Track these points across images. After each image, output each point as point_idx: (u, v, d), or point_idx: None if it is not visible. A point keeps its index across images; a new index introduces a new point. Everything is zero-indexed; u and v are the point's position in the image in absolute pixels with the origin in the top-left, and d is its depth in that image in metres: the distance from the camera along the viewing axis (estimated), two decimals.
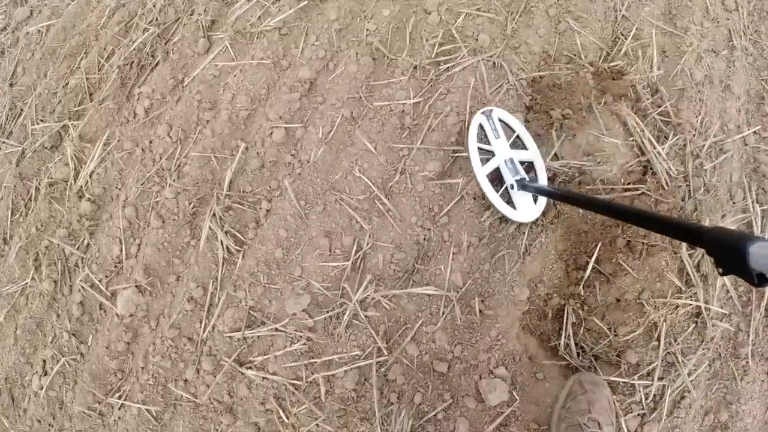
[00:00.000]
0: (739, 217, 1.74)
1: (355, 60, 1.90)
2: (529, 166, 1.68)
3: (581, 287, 1.67)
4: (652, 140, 1.71)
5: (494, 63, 1.85)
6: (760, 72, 2.02)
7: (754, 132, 1.90)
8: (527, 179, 1.60)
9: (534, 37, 1.89)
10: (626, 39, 1.91)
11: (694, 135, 1.81)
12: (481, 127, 1.66)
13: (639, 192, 1.68)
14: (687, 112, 1.82)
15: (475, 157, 1.61)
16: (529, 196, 1.61)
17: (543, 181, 1.65)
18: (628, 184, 1.69)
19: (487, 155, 1.65)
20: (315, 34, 1.99)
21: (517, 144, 1.70)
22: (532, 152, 1.67)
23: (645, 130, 1.71)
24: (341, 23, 2.00)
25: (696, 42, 1.95)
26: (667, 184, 1.71)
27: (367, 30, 1.96)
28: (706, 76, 1.91)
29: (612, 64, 1.85)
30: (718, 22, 2.04)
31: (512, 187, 1.58)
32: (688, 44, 1.94)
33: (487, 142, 1.65)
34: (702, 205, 1.74)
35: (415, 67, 1.86)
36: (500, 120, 1.68)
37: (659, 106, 1.83)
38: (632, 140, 1.70)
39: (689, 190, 1.75)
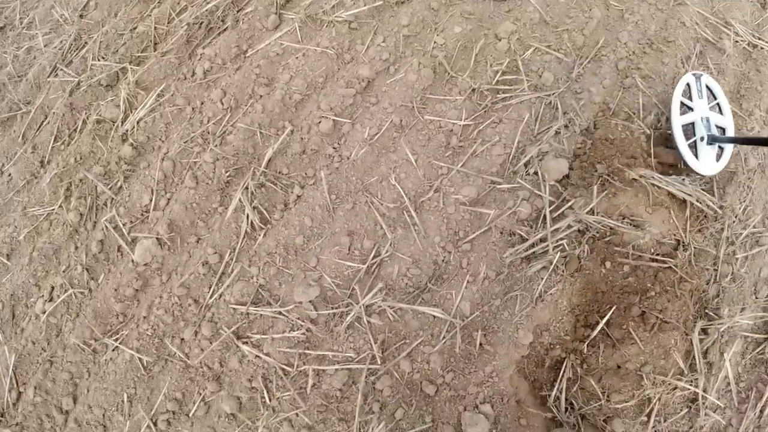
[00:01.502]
0: (758, 314, 1.71)
1: (416, 69, 1.91)
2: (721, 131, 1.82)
3: (585, 345, 1.67)
4: (691, 221, 1.69)
5: (551, 102, 1.84)
6: None
7: None
8: (717, 135, 1.73)
9: (598, 86, 1.88)
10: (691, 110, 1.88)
11: (734, 221, 1.78)
12: (687, 86, 1.79)
13: (666, 265, 1.66)
14: (732, 197, 1.79)
15: (675, 108, 1.73)
16: (713, 153, 1.73)
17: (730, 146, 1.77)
18: (658, 254, 1.67)
19: (686, 111, 1.78)
20: (383, 35, 2.00)
21: (715, 111, 1.83)
22: (728, 119, 1.81)
23: (688, 204, 1.68)
24: (411, 30, 2.00)
25: (758, 128, 1.92)
26: (695, 264, 1.69)
27: (435, 42, 1.96)
28: (759, 165, 1.88)
29: (669, 131, 1.82)
30: None
31: (702, 139, 1.72)
32: (749, 128, 1.91)
33: (690, 99, 1.78)
34: (725, 293, 1.72)
35: (473, 90, 1.86)
36: (707, 86, 1.82)
37: (708, 183, 1.81)
38: (671, 214, 1.68)
39: (716, 275, 1.72)
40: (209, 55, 2.08)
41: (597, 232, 1.68)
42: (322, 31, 2.04)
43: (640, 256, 1.65)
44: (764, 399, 1.70)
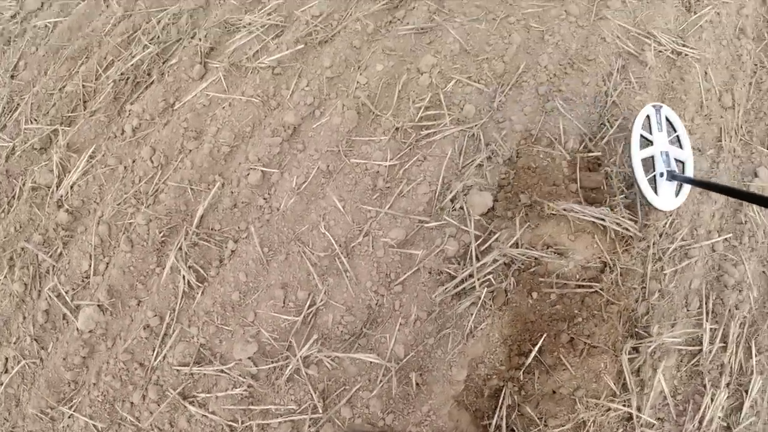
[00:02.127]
0: (688, 330, 1.75)
1: (340, 112, 1.92)
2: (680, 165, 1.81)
3: (521, 372, 1.71)
4: (615, 241, 1.72)
5: (474, 135, 1.86)
6: (744, 176, 2.01)
7: (725, 239, 1.90)
8: (676, 171, 1.74)
9: (519, 114, 1.90)
10: (611, 127, 1.91)
11: (660, 236, 1.82)
12: (647, 118, 1.78)
13: (592, 290, 1.69)
14: (658, 212, 1.82)
15: (635, 141, 1.72)
16: (672, 188, 1.74)
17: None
18: (583, 280, 1.71)
19: (646, 144, 1.77)
20: (307, 78, 2.01)
21: (675, 144, 1.83)
22: (687, 153, 1.80)
23: (609, 229, 1.72)
24: (334, 71, 2.02)
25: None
26: (622, 284, 1.73)
27: (358, 82, 1.98)
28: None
29: (590, 154, 1.85)
30: (710, 119, 2.03)
31: (662, 175, 1.72)
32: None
33: (650, 132, 1.77)
34: (654, 310, 1.76)
35: (397, 129, 1.88)
36: (666, 118, 1.81)
37: (632, 199, 1.84)
38: (594, 239, 1.71)
39: (644, 293, 1.76)
40: (137, 111, 2.09)
41: (522, 264, 1.71)
42: (247, 79, 2.05)
43: (565, 284, 1.69)
44: (701, 410, 1.75)
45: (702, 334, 1.75)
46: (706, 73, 2.09)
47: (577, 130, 1.89)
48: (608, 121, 1.93)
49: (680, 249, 1.84)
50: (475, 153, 1.84)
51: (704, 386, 1.78)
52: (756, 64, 2.24)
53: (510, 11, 2.10)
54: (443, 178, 1.80)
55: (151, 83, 2.14)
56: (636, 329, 1.75)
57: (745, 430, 1.79)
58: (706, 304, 1.81)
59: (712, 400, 1.76)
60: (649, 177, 1.73)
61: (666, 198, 1.73)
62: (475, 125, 1.87)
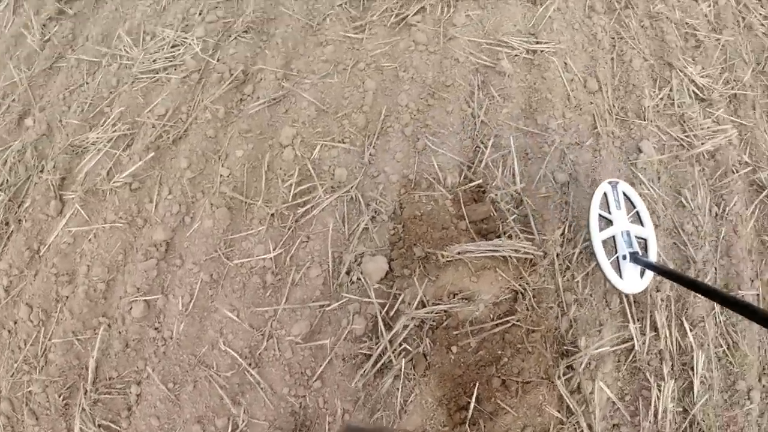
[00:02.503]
0: (616, 330, 1.72)
1: (210, 213, 1.81)
2: (642, 242, 1.73)
3: (467, 426, 1.64)
4: (520, 269, 1.67)
5: (353, 197, 1.78)
6: (628, 155, 2.00)
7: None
8: (640, 254, 1.64)
9: (392, 163, 1.83)
10: (486, 148, 1.86)
11: (562, 244, 1.78)
12: (605, 195, 1.71)
13: (509, 324, 1.64)
14: (552, 222, 1.78)
15: (594, 222, 1.66)
16: (637, 269, 1.64)
17: (653, 258, 1.69)
18: (498, 318, 1.65)
19: (605, 223, 1.70)
20: (168, 185, 1.89)
21: (635, 220, 1.76)
22: (649, 230, 1.72)
23: (509, 258, 1.66)
24: (194, 169, 1.90)
25: (558, 138, 1.92)
26: (538, 307, 1.68)
27: (221, 176, 1.87)
28: (570, 175, 1.88)
29: (472, 184, 1.80)
30: (581, 109, 2.01)
31: (624, 257, 1.64)
32: (550, 143, 1.91)
33: (608, 211, 1.71)
34: (576, 321, 1.72)
35: (272, 215, 1.79)
36: (624, 193, 1.75)
37: (525, 216, 1.80)
38: (497, 272, 1.66)
39: (562, 308, 1.72)
40: (4, 268, 1.92)
41: (434, 321, 1.64)
42: (106, 203, 1.91)
43: (481, 328, 1.63)
44: (653, 404, 1.71)
45: (631, 329, 1.72)
46: (565, 63, 2.07)
47: (453, 162, 1.83)
48: (482, 143, 1.89)
49: (585, 250, 1.81)
50: (358, 217, 1.76)
51: (648, 380, 1.75)
52: (613, 38, 2.25)
53: (358, 57, 2.04)
54: (332, 253, 1.72)
55: (11, 233, 1.97)
56: (564, 347, 1.70)
57: (702, 408, 1.77)
58: (625, 295, 1.78)
59: (660, 390, 1.73)
60: (611, 260, 1.66)
61: (631, 281, 1.65)
62: (351, 187, 1.79)
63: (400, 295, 1.67)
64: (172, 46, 2.26)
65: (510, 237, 1.71)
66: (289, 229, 1.77)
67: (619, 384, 1.75)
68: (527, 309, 1.67)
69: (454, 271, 1.65)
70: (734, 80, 2.23)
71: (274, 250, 1.75)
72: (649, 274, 1.68)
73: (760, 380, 1.87)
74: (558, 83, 2.02)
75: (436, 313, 1.63)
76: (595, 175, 1.91)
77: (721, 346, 1.83)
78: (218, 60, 2.16)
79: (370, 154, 1.84)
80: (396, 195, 1.79)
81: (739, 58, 2.26)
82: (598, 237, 1.66)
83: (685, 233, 1.91)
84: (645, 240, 1.73)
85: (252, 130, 1.93)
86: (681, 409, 1.76)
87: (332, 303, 1.67)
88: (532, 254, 1.68)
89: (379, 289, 1.68)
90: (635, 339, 1.74)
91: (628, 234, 1.69)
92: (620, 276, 1.66)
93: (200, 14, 2.36)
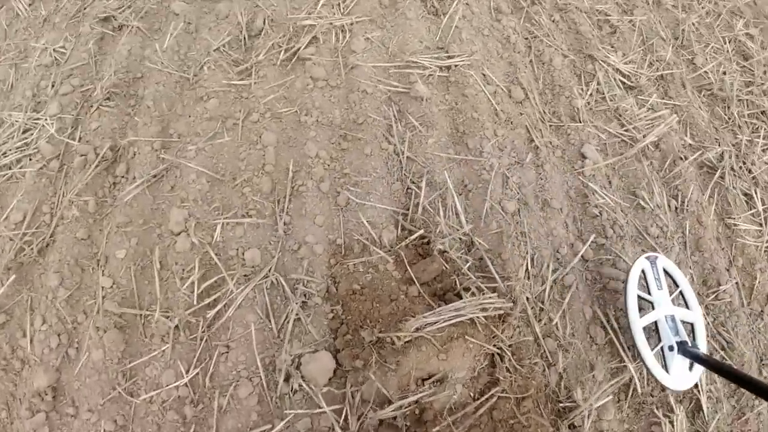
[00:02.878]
0: (610, 373, 1.48)
1: (97, 340, 1.40)
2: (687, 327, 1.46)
3: None
4: (491, 327, 1.39)
5: (273, 283, 1.44)
6: (573, 164, 1.80)
7: (592, 242, 1.66)
8: (689, 344, 1.37)
9: (313, 229, 1.51)
10: (420, 189, 1.58)
11: (529, 285, 1.53)
12: (643, 273, 1.45)
13: (495, 398, 1.35)
14: (513, 261, 1.53)
15: (633, 306, 1.40)
16: (686, 361, 1.38)
17: (703, 347, 1.43)
18: (480, 393, 1.36)
19: (645, 306, 1.45)
20: (41, 311, 1.46)
21: (679, 302, 1.50)
22: (696, 314, 1.46)
23: (476, 319, 1.38)
24: (68, 285, 1.49)
25: (495, 161, 1.68)
26: (521, 366, 1.41)
27: (103, 288, 1.46)
28: (519, 200, 1.64)
29: (413, 236, 1.51)
30: (512, 123, 1.78)
31: (671, 348, 1.38)
32: (488, 168, 1.66)
33: (648, 292, 1.45)
34: (566, 371, 1.46)
35: (176, 327, 1.40)
36: (665, 270, 1.49)
37: (480, 259, 1.53)
38: (467, 340, 1.37)
39: (547, 359, 1.46)
40: None
41: (405, 418, 1.32)
42: None
43: (464, 412, 1.33)
44: None
45: (630, 368, 1.48)
46: (484, 75, 1.84)
47: (385, 214, 1.54)
48: (413, 184, 1.61)
49: (556, 284, 1.57)
50: (285, 306, 1.42)
51: (655, 413, 1.52)
52: (527, 38, 2.06)
53: (249, 107, 1.71)
54: (262, 360, 1.36)
55: None
56: (560, 404, 1.44)
57: (717, 426, 1.57)
58: (609, 323, 1.55)
59: (671, 422, 1.50)
60: (655, 351, 1.40)
61: (680, 375, 1.38)
62: (269, 270, 1.45)
63: (356, 394, 1.33)
64: (23, 132, 1.82)
65: (471, 292, 1.43)
66: (201, 341, 1.40)
67: (626, 426, 1.51)
68: (509, 372, 1.40)
69: (416, 351, 1.34)
70: (657, 60, 2.10)
71: (187, 372, 1.37)
72: (700, 366, 1.41)
73: (761, 373, 1.71)
74: (481, 98, 1.78)
75: (407, 407, 1.31)
76: (545, 195, 1.69)
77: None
78: (79, 139, 1.75)
79: (284, 224, 1.51)
80: (326, 269, 1.47)
81: (656, 36, 2.14)
82: (638, 323, 1.40)
83: (652, 237, 1.72)
84: (691, 325, 1.48)
85: (133, 221, 1.54)
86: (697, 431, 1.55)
87: (275, 425, 1.32)
88: (501, 308, 1.41)
89: (330, 392, 1.34)
90: (631, 369, 1.51)
91: (673, 319, 1.44)
92: (666, 369, 1.39)
93: (53, 86, 1.94)
